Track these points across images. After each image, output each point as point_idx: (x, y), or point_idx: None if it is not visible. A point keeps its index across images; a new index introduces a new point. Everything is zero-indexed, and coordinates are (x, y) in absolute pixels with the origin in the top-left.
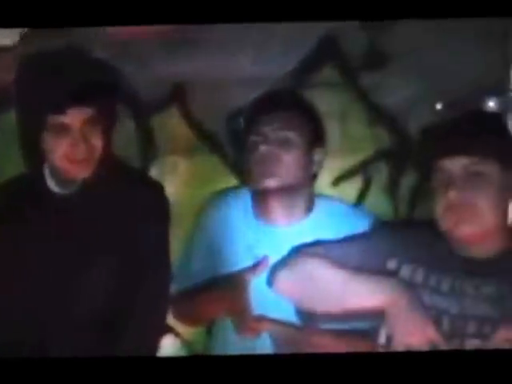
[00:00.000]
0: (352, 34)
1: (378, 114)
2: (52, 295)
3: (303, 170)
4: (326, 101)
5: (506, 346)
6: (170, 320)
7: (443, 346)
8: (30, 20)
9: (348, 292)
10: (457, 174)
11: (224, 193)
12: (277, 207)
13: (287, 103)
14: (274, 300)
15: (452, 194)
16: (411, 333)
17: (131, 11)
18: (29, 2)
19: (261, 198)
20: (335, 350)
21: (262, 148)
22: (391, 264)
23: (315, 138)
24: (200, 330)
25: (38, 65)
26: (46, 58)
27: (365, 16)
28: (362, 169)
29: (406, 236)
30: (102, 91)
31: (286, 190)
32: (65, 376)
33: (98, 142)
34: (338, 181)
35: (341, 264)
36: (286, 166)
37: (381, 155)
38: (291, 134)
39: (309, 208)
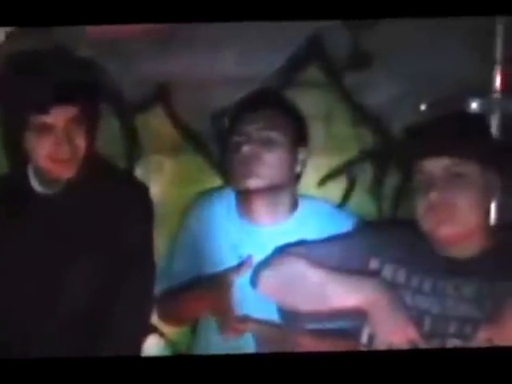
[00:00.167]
0: (337, 34)
1: (362, 115)
2: (35, 295)
3: (286, 170)
4: (310, 101)
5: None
6: (155, 320)
7: (424, 346)
8: (15, 19)
9: (329, 292)
10: (438, 175)
11: (208, 193)
12: (260, 207)
13: (270, 103)
14: (257, 300)
15: (433, 195)
16: (392, 332)
17: (116, 10)
18: (14, 1)
19: (244, 198)
20: (318, 350)
21: (245, 148)
22: (373, 264)
23: (298, 137)
24: (184, 330)
25: (21, 64)
26: (30, 57)
27: (350, 15)
28: (346, 169)
29: (388, 236)
30: (86, 90)
31: (270, 190)
32: (47, 377)
33: (81, 142)
34: (322, 181)
35: (323, 264)
36: (269, 165)
37: (365, 155)
38: (274, 134)
39: (293, 208)
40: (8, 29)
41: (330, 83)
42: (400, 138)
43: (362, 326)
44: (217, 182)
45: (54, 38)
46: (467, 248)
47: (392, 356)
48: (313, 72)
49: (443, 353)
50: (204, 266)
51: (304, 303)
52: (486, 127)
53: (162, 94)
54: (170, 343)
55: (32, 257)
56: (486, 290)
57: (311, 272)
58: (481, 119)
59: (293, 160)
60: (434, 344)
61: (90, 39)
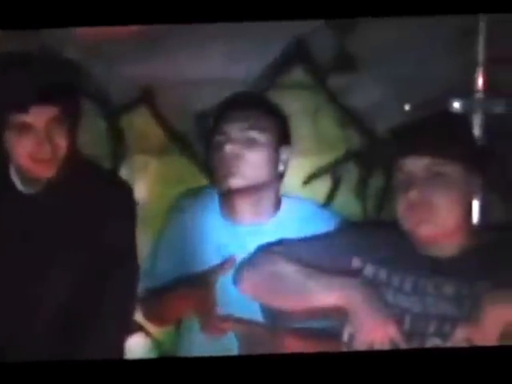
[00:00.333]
0: (321, 36)
1: (347, 116)
2: (15, 296)
3: (269, 169)
4: (296, 102)
5: (465, 345)
6: (140, 319)
7: (404, 345)
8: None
9: (310, 290)
10: (418, 174)
11: (192, 192)
12: (243, 206)
13: (252, 103)
14: (241, 300)
15: (413, 194)
16: (372, 331)
17: (102, 12)
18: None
19: (227, 198)
20: (301, 349)
21: (227, 148)
22: (355, 263)
23: (281, 136)
24: (170, 330)
25: (3, 64)
26: (12, 58)
27: (333, 15)
28: (331, 169)
29: (371, 235)
30: (67, 91)
31: (252, 189)
32: (26, 382)
33: (62, 142)
34: (307, 180)
35: (305, 263)
36: (251, 165)
37: (350, 156)
38: (256, 134)
39: (276, 207)
40: None
41: (316, 84)
42: (382, 138)
43: (343, 325)
44: (202, 182)
45: (40, 39)
46: (448, 247)
47: (374, 357)
48: (299, 74)
49: (424, 353)
50: (188, 266)
51: (286, 302)
52: (468, 127)
53: (146, 95)
54: (156, 342)
55: (12, 256)
56: (466, 290)
57: (292, 271)
58: (463, 119)
59: (275, 160)
60: (414, 343)
61: (76, 41)
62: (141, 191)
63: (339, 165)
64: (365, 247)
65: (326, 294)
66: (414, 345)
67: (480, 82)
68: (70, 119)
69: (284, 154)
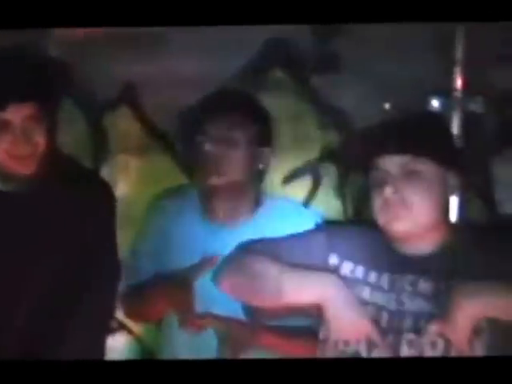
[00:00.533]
0: (302, 37)
1: (328, 115)
2: None
3: (249, 169)
4: (277, 102)
5: (439, 340)
6: (122, 317)
7: (379, 342)
8: None
9: (287, 288)
10: (393, 172)
11: (173, 191)
12: (222, 205)
13: (233, 103)
14: (221, 297)
15: (387, 191)
16: (348, 329)
17: (85, 12)
18: None
19: (207, 197)
20: (278, 346)
21: (207, 147)
22: (332, 260)
23: (261, 136)
24: (151, 327)
25: None
26: None
27: (315, 19)
28: (311, 168)
29: (348, 233)
30: (46, 89)
31: (232, 189)
32: (2, 381)
33: (41, 139)
34: (287, 180)
35: (284, 261)
36: (231, 164)
37: (331, 155)
38: (236, 133)
39: (256, 206)
40: None
41: (296, 85)
42: (359, 137)
43: (320, 323)
44: (182, 181)
45: (22, 37)
46: (424, 245)
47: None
48: (279, 73)
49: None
50: (168, 264)
51: (264, 300)
52: (445, 126)
53: (128, 94)
54: (139, 340)
55: None
56: (441, 287)
57: (270, 268)
58: (439, 118)
59: (256, 159)
60: (389, 339)
61: (58, 39)
62: (122, 189)
63: (319, 164)
64: (342, 245)
65: (302, 292)
66: (389, 342)
67: (459, 81)
68: (49, 117)
69: (264, 153)
